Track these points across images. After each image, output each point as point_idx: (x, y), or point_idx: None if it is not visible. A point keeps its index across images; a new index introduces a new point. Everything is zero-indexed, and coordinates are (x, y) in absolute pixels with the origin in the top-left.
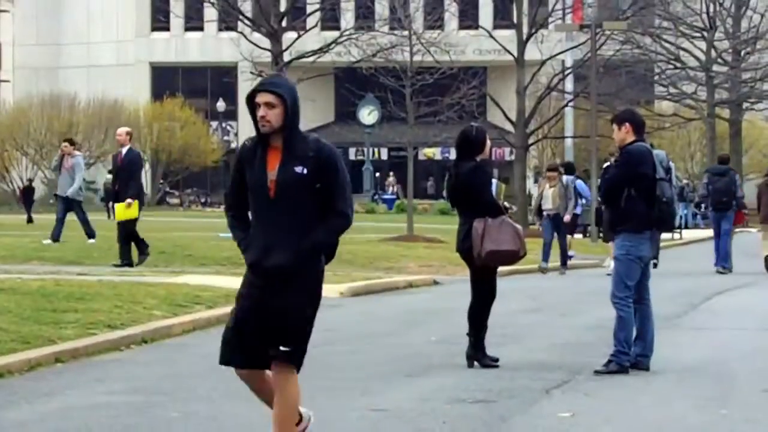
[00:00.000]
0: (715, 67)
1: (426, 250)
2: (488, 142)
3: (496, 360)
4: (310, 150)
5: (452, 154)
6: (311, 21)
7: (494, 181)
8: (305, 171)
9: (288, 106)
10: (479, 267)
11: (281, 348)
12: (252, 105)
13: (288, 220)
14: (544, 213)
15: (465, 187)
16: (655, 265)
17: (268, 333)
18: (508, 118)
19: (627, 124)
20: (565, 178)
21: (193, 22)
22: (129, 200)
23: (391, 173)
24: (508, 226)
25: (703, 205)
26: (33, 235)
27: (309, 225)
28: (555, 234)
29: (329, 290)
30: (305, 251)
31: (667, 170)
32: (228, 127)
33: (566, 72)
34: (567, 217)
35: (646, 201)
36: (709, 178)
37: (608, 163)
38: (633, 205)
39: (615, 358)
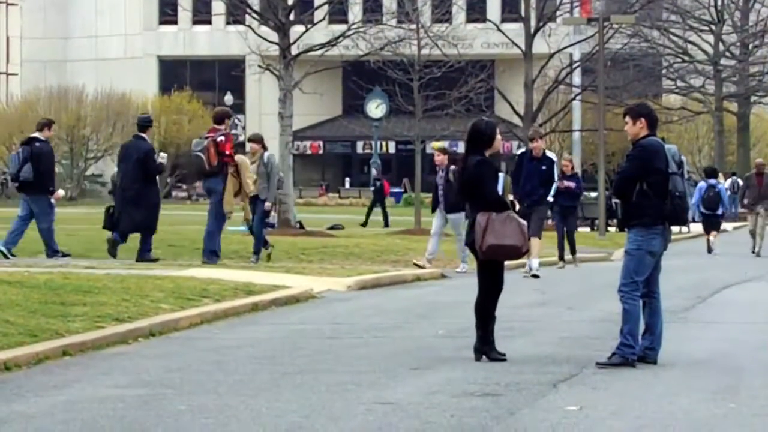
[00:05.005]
0: (722, 61)
1: None
2: (498, 137)
3: (504, 354)
4: None
5: (460, 148)
6: (319, 14)
7: (501, 175)
8: None
9: None
10: (484, 260)
11: None
12: None
13: None
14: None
15: (471, 181)
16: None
17: None
18: (515, 112)
19: (643, 119)
20: (266, 154)
21: (201, 15)
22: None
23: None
24: (513, 221)
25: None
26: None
27: None
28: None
29: (337, 283)
30: None
31: (679, 164)
32: (236, 121)
33: (574, 65)
34: (268, 204)
35: (658, 195)
36: None
37: (522, 150)
38: (645, 199)
39: (618, 351)
